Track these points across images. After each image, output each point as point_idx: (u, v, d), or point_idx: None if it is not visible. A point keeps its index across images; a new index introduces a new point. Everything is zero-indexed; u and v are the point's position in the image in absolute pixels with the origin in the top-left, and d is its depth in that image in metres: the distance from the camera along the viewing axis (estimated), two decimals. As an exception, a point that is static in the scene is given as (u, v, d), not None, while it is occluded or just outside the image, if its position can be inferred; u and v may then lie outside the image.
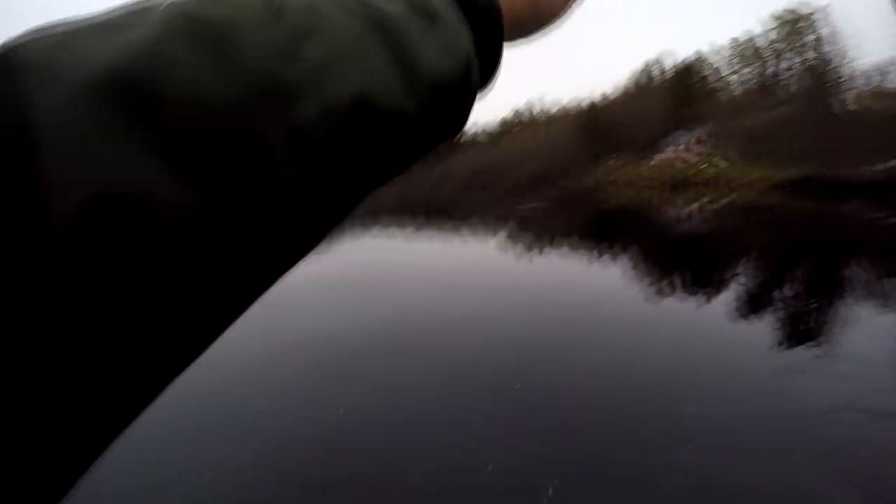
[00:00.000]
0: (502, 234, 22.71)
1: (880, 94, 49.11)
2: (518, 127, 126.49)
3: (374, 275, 15.35)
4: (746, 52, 75.87)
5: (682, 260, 16.01)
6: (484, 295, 11.75)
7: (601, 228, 25.87)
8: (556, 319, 9.19)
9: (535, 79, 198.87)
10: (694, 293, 11.25)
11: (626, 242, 19.61)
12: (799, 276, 13.63)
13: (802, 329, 8.27)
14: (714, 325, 8.62)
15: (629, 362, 6.65)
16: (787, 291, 11.47)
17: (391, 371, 6.82)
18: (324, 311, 10.81)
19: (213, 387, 6.00)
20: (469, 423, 5.17)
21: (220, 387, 6.14)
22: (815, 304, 10.06)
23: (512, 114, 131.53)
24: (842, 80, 54.41)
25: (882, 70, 49.27)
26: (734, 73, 78.30)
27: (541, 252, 17.35)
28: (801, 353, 7.03)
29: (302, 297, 10.89)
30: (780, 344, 7.45)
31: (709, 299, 10.50)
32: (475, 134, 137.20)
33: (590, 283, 12.65)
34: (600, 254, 16.81)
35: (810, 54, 63.40)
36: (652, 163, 67.63)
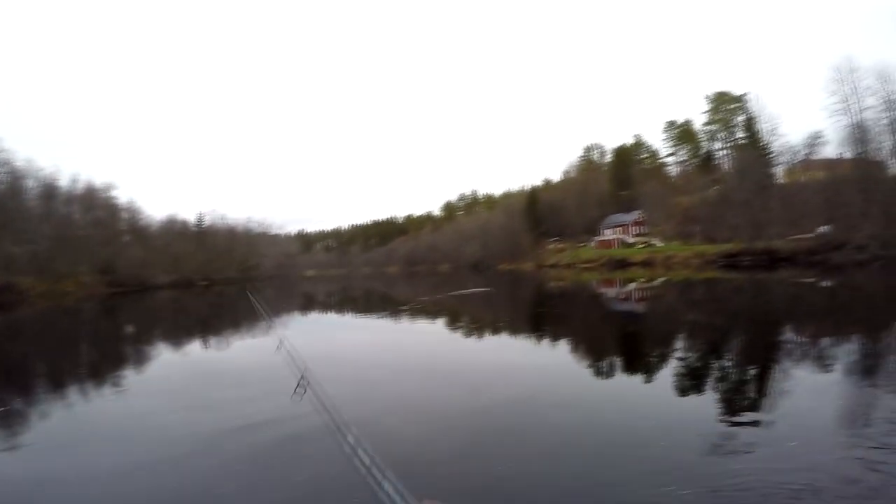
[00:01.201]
0: (442, 320, 21.33)
1: (808, 166, 49.63)
2: (461, 211, 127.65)
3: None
4: (681, 133, 78.14)
5: (622, 339, 15.29)
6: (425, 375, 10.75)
7: (542, 310, 24.98)
8: (498, 404, 8.14)
9: (480, 165, 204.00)
10: (634, 371, 10.58)
11: (566, 323, 19.22)
12: (735, 345, 13.06)
13: (743, 399, 7.88)
14: (656, 402, 7.97)
15: (571, 442, 6.27)
16: (726, 362, 10.91)
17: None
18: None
19: None
20: None
21: None
22: (755, 372, 9.54)
23: (456, 198, 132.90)
24: (772, 155, 55.26)
25: (808, 143, 49.60)
26: (670, 154, 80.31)
27: (480, 336, 16.04)
28: (743, 424, 6.58)
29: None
30: (721, 417, 6.97)
31: (649, 377, 9.71)
32: (420, 217, 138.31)
33: (530, 365, 11.41)
34: (541, 335, 15.96)
35: (741, 133, 65.48)
36: (591, 244, 67.64)
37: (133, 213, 75.21)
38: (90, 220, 65.59)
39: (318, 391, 5.14)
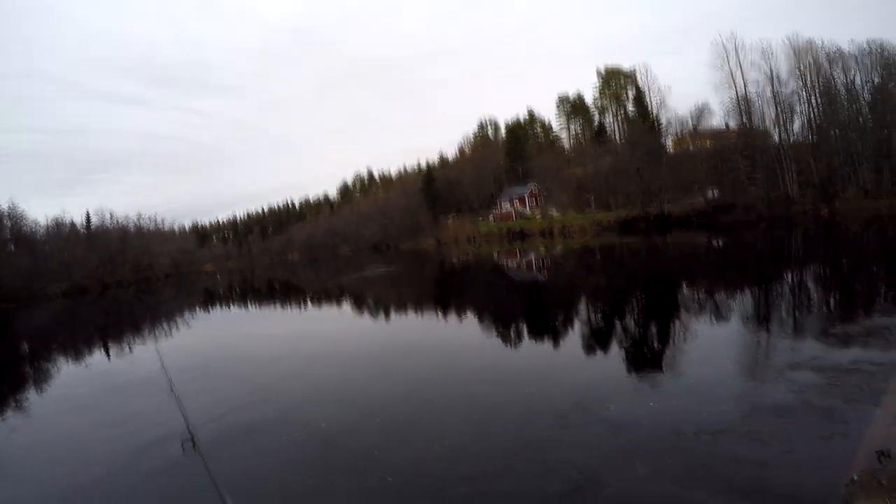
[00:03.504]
0: (347, 302, 21.07)
1: (695, 136, 51.48)
2: (358, 192, 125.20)
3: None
4: (573, 107, 79.63)
5: (526, 306, 15.55)
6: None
7: (446, 286, 24.74)
8: (412, 383, 8.14)
9: (374, 144, 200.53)
10: (542, 338, 10.59)
11: (471, 297, 19.09)
12: (637, 305, 13.23)
13: (647, 352, 8.32)
14: (565, 364, 8.17)
15: (488, 410, 6.28)
16: (629, 321, 11.16)
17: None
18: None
19: None
20: None
21: None
22: (657, 328, 9.92)
23: (352, 179, 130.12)
24: (661, 126, 57.09)
25: (695, 114, 51.42)
26: (563, 127, 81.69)
27: (387, 318, 15.67)
28: (648, 374, 7.07)
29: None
30: (628, 372, 7.35)
31: (557, 342, 9.81)
32: (317, 201, 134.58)
33: (439, 343, 11.34)
34: (447, 311, 15.85)
35: (631, 106, 67.43)
36: (490, 218, 67.60)
37: (16, 219, 66.23)
38: (-33, 233, 56.87)
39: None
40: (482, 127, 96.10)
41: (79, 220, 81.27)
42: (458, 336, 11.63)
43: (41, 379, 12.52)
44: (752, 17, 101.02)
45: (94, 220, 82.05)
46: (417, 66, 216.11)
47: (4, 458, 7.00)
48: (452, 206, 77.58)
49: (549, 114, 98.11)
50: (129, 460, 6.08)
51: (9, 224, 65.16)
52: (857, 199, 33.91)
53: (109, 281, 68.35)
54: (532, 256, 33.62)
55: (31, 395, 10.74)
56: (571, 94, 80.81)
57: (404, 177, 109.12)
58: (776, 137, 41.92)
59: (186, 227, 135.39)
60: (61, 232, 74.39)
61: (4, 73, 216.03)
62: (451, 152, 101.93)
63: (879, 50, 39.00)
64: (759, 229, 30.64)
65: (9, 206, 65.49)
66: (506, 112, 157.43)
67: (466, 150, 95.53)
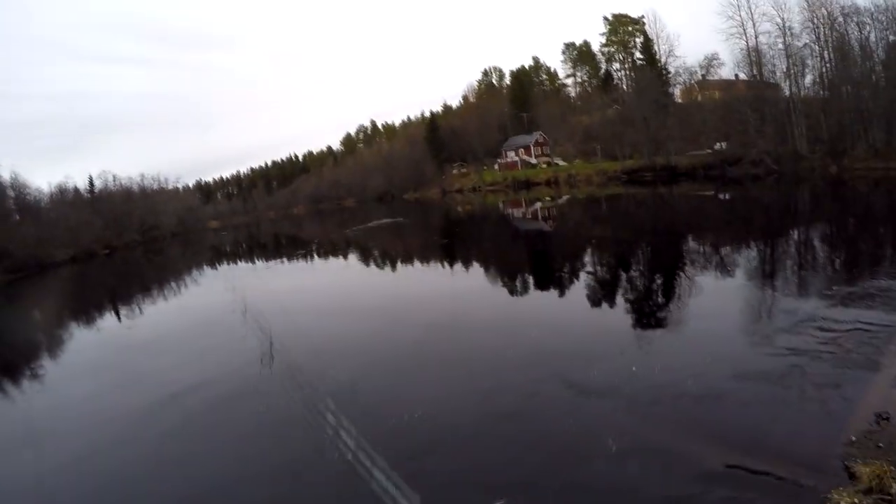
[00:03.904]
0: (355, 256, 20.83)
1: (704, 86, 51.08)
2: (362, 143, 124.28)
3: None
4: (580, 55, 78.21)
5: (533, 257, 15.67)
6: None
7: (452, 236, 24.45)
8: (421, 332, 8.36)
9: (377, 94, 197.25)
10: (548, 288, 10.89)
11: (477, 247, 19.21)
12: (642, 257, 13.35)
13: (651, 307, 8.42)
14: (570, 316, 8.31)
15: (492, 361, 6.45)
16: (634, 273, 11.30)
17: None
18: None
19: None
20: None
21: None
22: (662, 281, 10.11)
23: (355, 130, 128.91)
24: (669, 75, 56.19)
25: (704, 64, 50.80)
26: (569, 75, 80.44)
27: (394, 270, 15.92)
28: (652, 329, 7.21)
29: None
30: (634, 325, 7.49)
31: (562, 292, 10.09)
32: (321, 153, 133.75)
33: (447, 292, 11.60)
34: (454, 262, 15.93)
35: (638, 54, 66.27)
36: (495, 167, 67.46)
37: (19, 188, 65.44)
38: (-28, 205, 56.10)
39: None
40: (486, 74, 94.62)
41: (82, 184, 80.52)
42: (462, 287, 11.78)
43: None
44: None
45: (97, 183, 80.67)
46: (420, 11, 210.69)
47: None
48: (457, 155, 77.10)
49: (555, 63, 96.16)
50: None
51: (12, 194, 64.37)
52: (867, 158, 33.36)
53: (117, 243, 68.71)
54: (537, 206, 33.64)
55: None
56: (578, 41, 79.40)
57: (408, 125, 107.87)
58: (786, 91, 41.04)
59: (190, 186, 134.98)
60: (65, 198, 73.46)
61: (2, 39, 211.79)
62: (455, 101, 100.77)
63: (896, 8, 37.96)
64: (767, 183, 30.54)
65: (11, 176, 64.68)
66: (510, 61, 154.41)
67: (471, 98, 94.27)
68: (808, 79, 41.32)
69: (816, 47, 40.58)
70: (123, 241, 70.30)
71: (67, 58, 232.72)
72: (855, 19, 39.08)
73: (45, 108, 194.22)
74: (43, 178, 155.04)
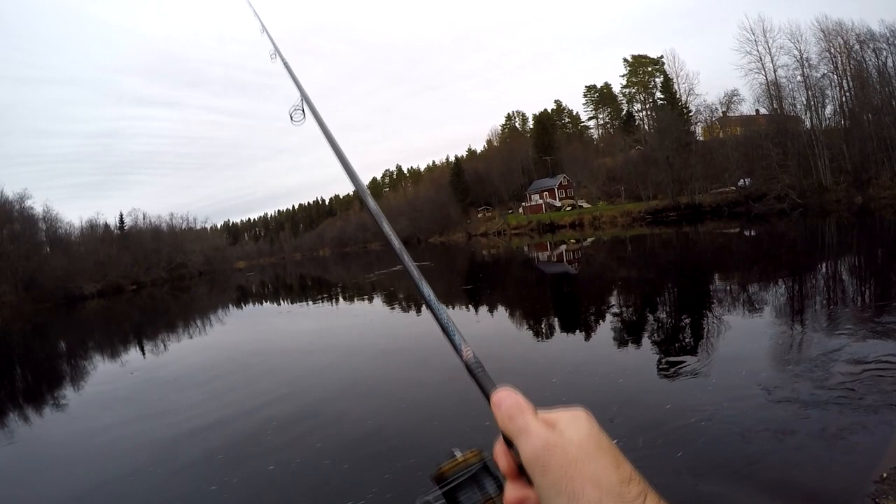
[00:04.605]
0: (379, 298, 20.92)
1: (725, 123, 51.16)
2: (388, 188, 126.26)
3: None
4: (601, 96, 79.34)
5: (557, 299, 15.57)
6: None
7: (478, 280, 24.60)
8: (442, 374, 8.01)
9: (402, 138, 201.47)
10: (575, 330, 10.78)
11: (503, 290, 19.11)
12: (669, 296, 13.33)
13: (679, 346, 8.24)
14: (597, 356, 8.28)
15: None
16: (661, 314, 11.17)
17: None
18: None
19: None
20: None
21: None
22: (689, 320, 9.96)
23: (381, 174, 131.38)
24: (690, 113, 56.57)
25: (724, 101, 51.46)
26: (591, 117, 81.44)
27: (419, 310, 15.80)
28: (680, 368, 7.06)
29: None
30: (660, 363, 7.44)
31: (588, 334, 10.03)
32: (347, 197, 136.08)
33: (472, 334, 10.60)
34: (479, 304, 15.90)
35: (659, 94, 67.03)
36: (520, 210, 67.88)
37: (51, 221, 67.58)
38: (7, 235, 58.54)
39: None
40: (510, 118, 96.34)
41: (112, 221, 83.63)
42: (489, 330, 11.69)
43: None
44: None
45: (127, 220, 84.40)
46: (445, 56, 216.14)
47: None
48: (482, 199, 77.94)
49: (577, 105, 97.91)
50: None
51: (44, 227, 66.87)
52: (892, 186, 33.22)
53: (144, 279, 70.35)
54: (562, 249, 33.68)
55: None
56: (599, 84, 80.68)
57: (433, 170, 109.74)
58: (808, 123, 41.38)
59: (218, 226, 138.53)
60: (95, 233, 76.24)
61: (43, 80, 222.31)
62: (479, 145, 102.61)
63: (912, 31, 38.05)
64: (792, 218, 30.46)
65: (44, 209, 67.41)
66: (533, 105, 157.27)
67: (495, 142, 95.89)
68: (829, 109, 41.91)
69: (835, 76, 41.00)
70: (150, 278, 71.91)
71: (107, 99, 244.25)
72: (871, 45, 39.47)
73: (83, 145, 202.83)
74: (75, 213, 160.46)
